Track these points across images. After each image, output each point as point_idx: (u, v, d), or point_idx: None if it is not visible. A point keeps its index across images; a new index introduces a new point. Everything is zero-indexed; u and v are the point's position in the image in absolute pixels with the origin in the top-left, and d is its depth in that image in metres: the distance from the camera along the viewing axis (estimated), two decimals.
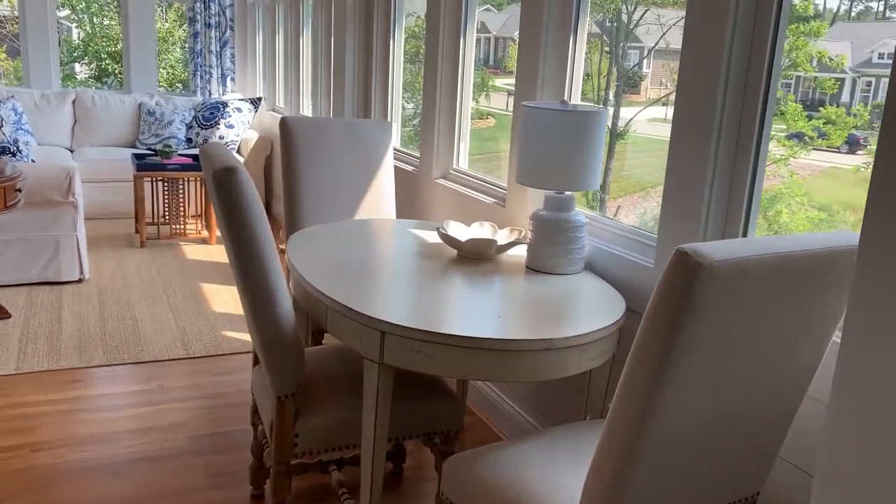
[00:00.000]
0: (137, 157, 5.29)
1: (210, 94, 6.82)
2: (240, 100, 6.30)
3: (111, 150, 6.01)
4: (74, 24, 12.02)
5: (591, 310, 2.03)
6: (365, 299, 1.90)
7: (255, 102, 6.30)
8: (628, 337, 2.10)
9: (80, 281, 4.33)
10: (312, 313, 2.05)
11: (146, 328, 3.76)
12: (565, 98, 2.61)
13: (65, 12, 11.85)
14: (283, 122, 3.06)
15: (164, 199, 5.28)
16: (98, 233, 5.41)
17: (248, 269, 1.86)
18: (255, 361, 2.34)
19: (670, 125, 2.05)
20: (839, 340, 0.96)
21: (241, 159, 6.05)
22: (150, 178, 5.20)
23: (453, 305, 2.02)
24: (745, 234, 1.97)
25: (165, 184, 5.24)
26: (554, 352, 1.75)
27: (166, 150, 5.21)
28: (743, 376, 1.33)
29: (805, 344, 1.39)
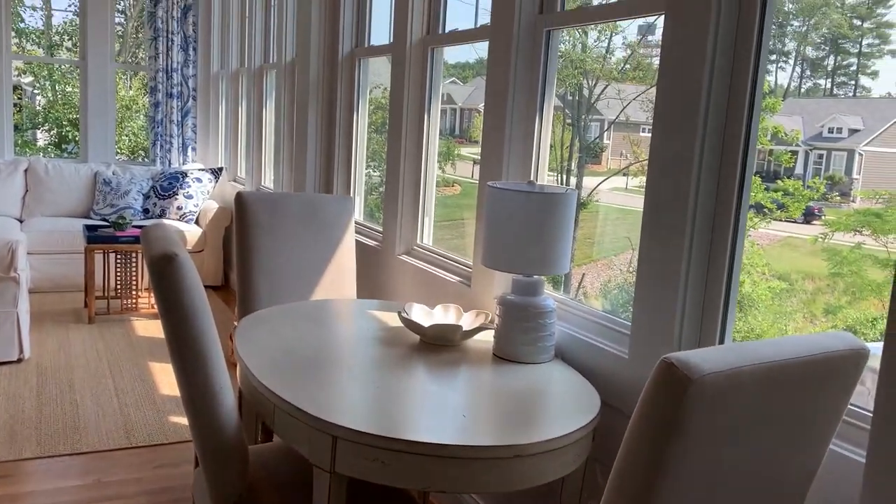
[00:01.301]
0: (89, 228, 5.08)
1: (170, 164, 6.68)
2: (200, 170, 6.16)
3: (63, 221, 5.79)
4: (37, 91, 11.88)
5: (564, 407, 1.88)
6: (316, 398, 1.73)
7: (216, 172, 6.16)
8: (603, 435, 1.95)
9: (18, 361, 4.06)
10: (259, 411, 1.87)
11: (87, 413, 3.50)
12: (532, 178, 2.52)
13: (28, 78, 11.72)
14: (239, 198, 2.92)
15: (116, 272, 5.06)
16: (44, 308, 5.15)
17: (185, 365, 1.68)
18: (197, 462, 2.13)
19: (641, 198, 1.96)
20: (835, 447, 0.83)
21: (199, 230, 5.87)
22: (101, 251, 4.99)
23: (414, 403, 1.85)
24: (723, 319, 1.85)
25: (118, 256, 5.03)
26: (525, 458, 1.59)
27: (120, 221, 5.02)
28: (734, 490, 1.19)
29: (802, 452, 1.26)
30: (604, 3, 2.83)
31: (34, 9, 10.96)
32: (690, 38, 1.76)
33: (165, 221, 5.89)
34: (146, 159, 7.58)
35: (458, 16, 3.32)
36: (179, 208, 5.94)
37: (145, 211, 6.02)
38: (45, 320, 4.89)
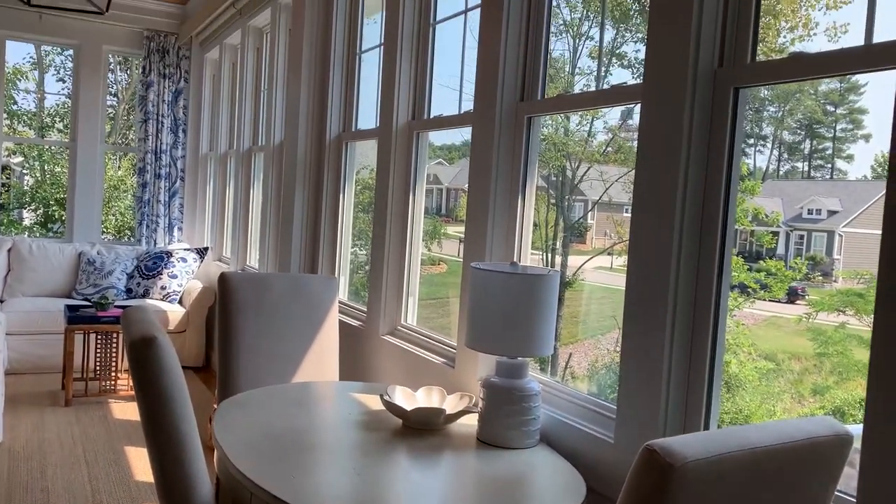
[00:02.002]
0: (70, 308, 5.03)
1: (155, 244, 6.67)
2: (185, 249, 6.16)
3: (44, 301, 5.73)
4: (26, 171, 11.97)
5: (549, 494, 1.83)
6: (295, 486, 1.68)
7: (202, 252, 6.16)
8: None
9: None
10: (236, 499, 1.81)
11: (57, 501, 3.37)
12: (515, 260, 2.53)
13: (18, 158, 11.82)
14: (223, 279, 2.91)
15: (96, 352, 4.97)
16: (21, 389, 5.03)
17: (160, 450, 1.64)
18: None
19: (619, 279, 1.97)
20: None
21: (182, 310, 5.82)
22: (82, 331, 4.91)
23: (396, 492, 1.80)
24: (708, 400, 1.83)
25: (98, 337, 4.96)
26: None
27: (102, 301, 4.97)
28: None
29: None
30: (584, 90, 2.91)
31: (27, 91, 11.17)
32: (666, 126, 1.81)
33: (149, 301, 5.84)
34: (132, 239, 7.58)
35: (444, 100, 3.40)
36: (163, 288, 5.90)
37: (129, 291, 5.98)
38: (21, 403, 4.77)
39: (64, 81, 11.36)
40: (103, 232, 10.18)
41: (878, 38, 1.49)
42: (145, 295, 5.92)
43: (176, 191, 6.78)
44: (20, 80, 10.86)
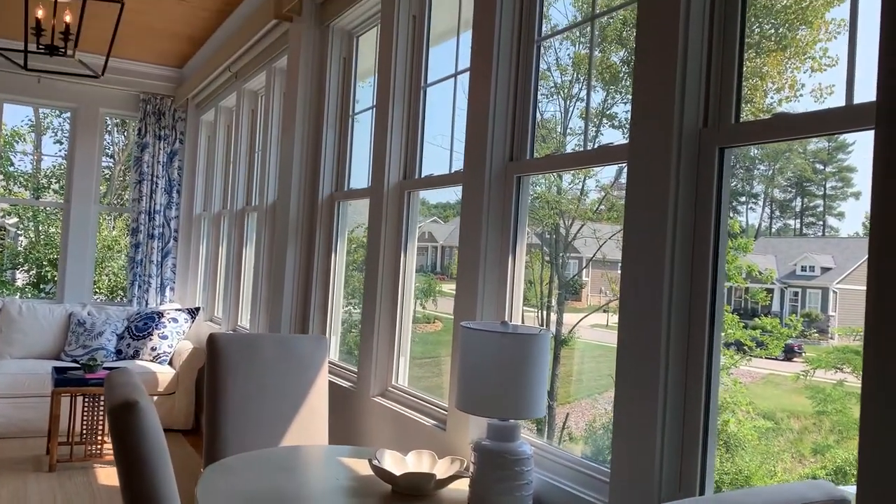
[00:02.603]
0: (58, 370, 4.95)
1: (147, 304, 6.63)
2: (177, 310, 6.11)
3: (32, 363, 5.65)
4: (20, 232, 11.99)
5: None
6: None
7: (193, 312, 6.11)
8: None
9: None
10: None
11: None
12: (505, 319, 2.51)
13: (13, 220, 11.86)
14: (212, 340, 2.87)
15: (82, 416, 4.87)
16: (4, 454, 4.91)
17: None
18: None
19: (615, 337, 1.94)
20: None
21: (172, 372, 5.74)
22: (69, 394, 4.83)
23: None
24: (703, 462, 1.79)
25: (86, 399, 4.87)
26: None
27: (91, 363, 4.90)
28: None
29: None
30: (575, 150, 2.93)
31: (25, 153, 11.27)
32: (653, 186, 1.81)
33: (139, 362, 5.77)
34: (124, 299, 7.54)
35: (435, 158, 3.43)
36: (153, 349, 5.83)
37: (118, 352, 5.91)
38: (4, 468, 4.65)
39: (61, 143, 11.49)
40: (96, 292, 10.14)
41: (859, 99, 1.51)
42: (135, 356, 5.85)
43: (169, 251, 6.77)
44: (18, 143, 10.97)
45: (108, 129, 11.52)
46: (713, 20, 1.78)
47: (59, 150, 11.55)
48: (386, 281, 3.36)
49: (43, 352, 5.92)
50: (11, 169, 11.04)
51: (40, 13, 3.64)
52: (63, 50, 3.59)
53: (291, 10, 4.12)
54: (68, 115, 6.76)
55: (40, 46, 3.59)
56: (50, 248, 10.93)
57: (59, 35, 3.62)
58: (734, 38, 1.75)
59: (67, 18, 3.69)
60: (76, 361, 5.59)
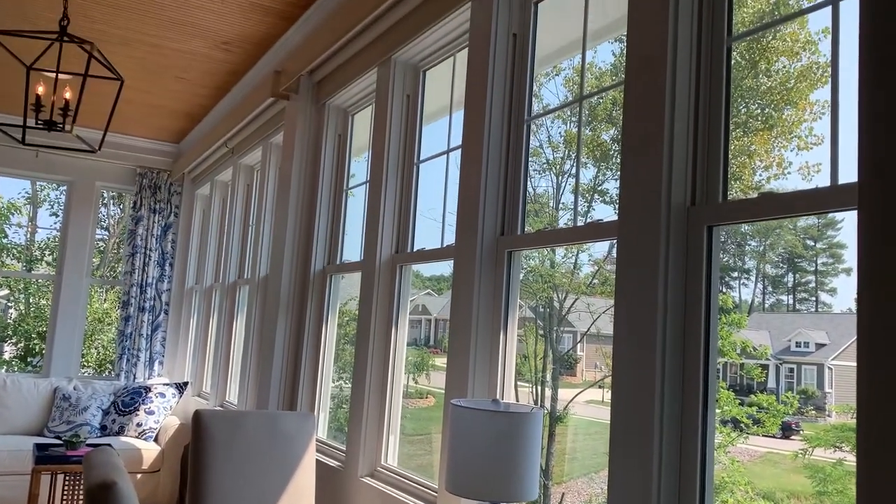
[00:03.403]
0: (40, 447, 4.82)
1: (134, 378, 6.53)
2: (164, 384, 6.01)
3: (14, 440, 5.51)
4: (11, 304, 11.91)
5: None
6: None
7: (181, 387, 6.01)
8: None
9: None
10: None
11: None
12: (497, 396, 2.47)
13: (4, 291, 11.79)
14: (197, 417, 2.81)
15: (62, 494, 4.72)
16: None
17: None
18: None
19: (609, 411, 1.90)
20: None
21: (158, 448, 5.60)
22: (49, 472, 4.69)
23: None
24: None
25: (67, 477, 4.73)
26: None
27: (73, 439, 4.78)
28: None
29: None
30: (567, 225, 2.94)
31: (20, 226, 11.31)
32: (642, 262, 1.81)
33: (124, 439, 5.63)
34: (112, 373, 7.43)
35: (428, 231, 3.45)
36: (139, 425, 5.71)
37: (103, 428, 5.77)
38: None
39: (57, 216, 11.54)
40: (84, 366, 10.00)
41: (844, 178, 1.52)
42: (120, 432, 5.71)
43: (159, 324, 6.71)
44: (13, 215, 11.02)
45: (104, 201, 11.60)
46: (699, 101, 1.82)
47: (55, 223, 11.60)
48: (376, 355, 3.32)
49: (26, 427, 5.78)
50: (5, 241, 11.06)
51: (41, 90, 3.71)
52: (61, 125, 3.63)
53: (289, 89, 4.21)
54: (65, 188, 6.80)
55: (39, 122, 3.63)
56: (40, 320, 10.84)
57: (59, 111, 3.67)
58: (719, 119, 1.78)
59: (67, 95, 3.76)
60: (59, 437, 5.45)
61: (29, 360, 10.51)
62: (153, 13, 4.17)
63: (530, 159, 2.69)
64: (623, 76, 1.96)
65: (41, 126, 3.66)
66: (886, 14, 1.23)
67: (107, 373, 9.89)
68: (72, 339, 6.58)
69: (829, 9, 1.61)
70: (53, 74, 3.60)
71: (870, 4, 1.26)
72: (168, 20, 4.26)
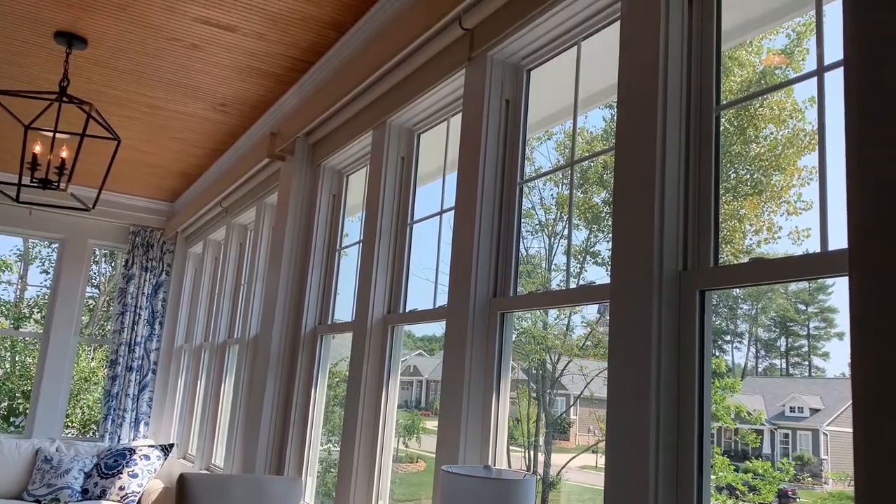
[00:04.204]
0: None
1: (119, 440, 6.39)
2: (149, 446, 5.88)
3: None
4: None
5: None
6: None
7: (167, 449, 5.88)
8: None
9: None
10: None
11: None
12: (489, 463, 2.42)
13: None
14: (181, 481, 2.74)
15: None
16: None
17: None
18: None
19: (602, 478, 1.86)
20: None
21: None
22: None
23: None
24: None
25: None
26: None
27: (53, 503, 4.64)
28: None
29: None
30: (560, 285, 2.94)
31: (10, 283, 11.23)
32: (635, 326, 1.80)
33: (105, 502, 5.47)
34: (97, 433, 7.27)
35: (420, 291, 3.44)
36: (122, 488, 5.56)
37: (85, 491, 5.62)
38: None
39: (48, 273, 11.49)
40: (68, 426, 9.79)
41: (833, 243, 1.54)
42: (102, 496, 5.55)
43: (146, 384, 6.61)
44: (4, 272, 10.96)
45: (96, 259, 11.56)
46: (688, 167, 1.84)
47: (45, 280, 11.53)
48: (366, 418, 3.27)
49: (5, 490, 5.62)
50: None
51: (38, 148, 3.74)
52: (56, 184, 3.65)
53: (284, 151, 4.26)
54: (57, 245, 6.79)
55: (34, 180, 3.65)
56: (25, 379, 10.66)
57: (54, 169, 3.70)
58: (710, 185, 1.81)
59: (64, 154, 3.79)
60: (39, 501, 5.30)
61: (12, 419, 10.29)
62: (152, 76, 4.25)
63: (523, 221, 2.71)
64: (613, 141, 2.00)
65: (36, 184, 3.68)
66: (869, 92, 1.26)
67: (91, 433, 9.69)
68: (57, 398, 6.46)
69: (814, 79, 1.65)
70: (51, 134, 3.64)
71: (852, 81, 1.29)
72: (167, 83, 4.33)
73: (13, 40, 3.88)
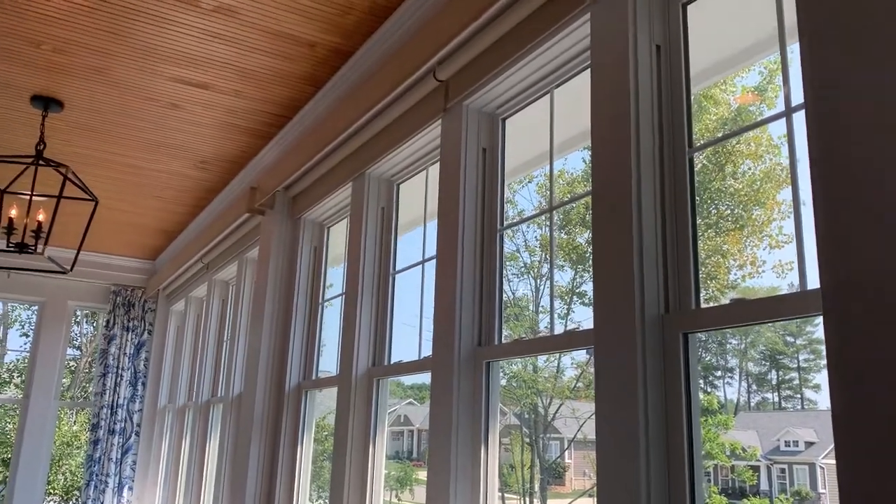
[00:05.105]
0: None
1: None
2: None
3: None
4: None
5: None
6: None
7: None
8: None
9: None
10: None
11: None
12: None
13: None
14: None
15: None
16: None
17: None
18: None
19: None
20: None
21: None
22: None
23: None
24: None
25: None
26: None
27: None
28: None
29: None
30: (546, 329, 2.91)
31: None
32: (620, 370, 1.78)
33: None
34: (80, 501, 7.08)
35: (405, 340, 3.40)
36: None
37: None
38: None
39: (27, 336, 11.31)
40: (50, 493, 9.52)
41: (812, 278, 1.53)
42: None
43: (130, 447, 6.46)
44: None
45: (77, 320, 11.41)
46: (664, 210, 1.84)
47: (25, 343, 11.35)
48: (354, 473, 3.19)
49: None
50: None
51: (14, 213, 3.71)
52: (33, 248, 3.61)
53: (264, 205, 4.25)
54: (37, 308, 6.69)
55: (10, 244, 3.61)
56: (4, 446, 10.40)
57: (31, 233, 3.66)
58: (686, 226, 1.81)
59: (41, 217, 3.76)
60: None
61: None
62: (130, 136, 4.25)
63: (507, 264, 2.71)
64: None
65: (13, 249, 3.64)
66: (826, 135, 1.27)
67: (73, 501, 9.42)
68: (37, 466, 6.29)
69: (783, 120, 1.67)
70: (27, 197, 3.61)
71: (812, 124, 1.30)
72: (145, 142, 4.33)
73: None
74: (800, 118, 1.59)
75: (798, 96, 1.54)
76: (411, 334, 3.21)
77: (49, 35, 3.20)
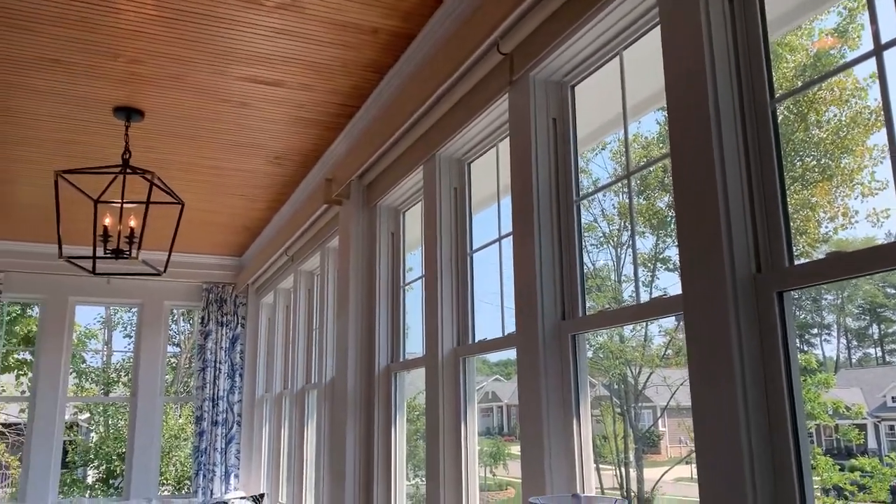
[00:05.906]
0: None
1: (212, 494, 6.52)
2: (241, 498, 5.98)
3: None
4: (91, 427, 12.18)
5: None
6: None
7: (258, 499, 5.96)
8: None
9: None
10: None
11: None
12: (577, 491, 2.35)
13: (85, 415, 12.08)
14: None
15: None
16: None
17: None
18: None
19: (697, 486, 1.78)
20: None
21: None
22: None
23: None
24: None
25: None
26: None
27: None
28: None
29: None
30: (631, 298, 2.87)
31: (96, 352, 11.69)
32: (713, 335, 1.73)
33: None
34: (191, 490, 7.45)
35: (488, 318, 3.40)
36: None
37: None
38: None
39: (130, 337, 11.93)
40: (163, 484, 10.06)
41: None
42: None
43: (233, 437, 6.74)
44: (90, 341, 11.42)
45: (174, 318, 11.96)
46: (749, 163, 1.77)
47: (129, 344, 11.96)
48: (448, 451, 3.24)
49: None
50: (83, 366, 11.42)
51: (108, 221, 3.90)
52: (128, 253, 3.79)
53: (340, 195, 4.32)
54: (136, 309, 7.04)
55: (107, 251, 3.80)
56: (119, 442, 11.03)
57: (125, 239, 3.84)
58: (773, 180, 1.73)
59: (132, 223, 3.94)
60: None
61: (111, 482, 10.64)
62: (209, 138, 4.39)
63: (586, 234, 2.66)
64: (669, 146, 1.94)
65: (110, 255, 3.82)
66: None
67: (185, 490, 9.92)
68: (149, 458, 6.65)
69: (871, 61, 1.57)
70: (119, 205, 3.78)
71: None
72: (223, 143, 4.47)
73: (75, 121, 4.07)
74: (892, 55, 1.49)
75: (889, 32, 1.45)
76: (493, 312, 3.21)
77: (125, 47, 3.33)
